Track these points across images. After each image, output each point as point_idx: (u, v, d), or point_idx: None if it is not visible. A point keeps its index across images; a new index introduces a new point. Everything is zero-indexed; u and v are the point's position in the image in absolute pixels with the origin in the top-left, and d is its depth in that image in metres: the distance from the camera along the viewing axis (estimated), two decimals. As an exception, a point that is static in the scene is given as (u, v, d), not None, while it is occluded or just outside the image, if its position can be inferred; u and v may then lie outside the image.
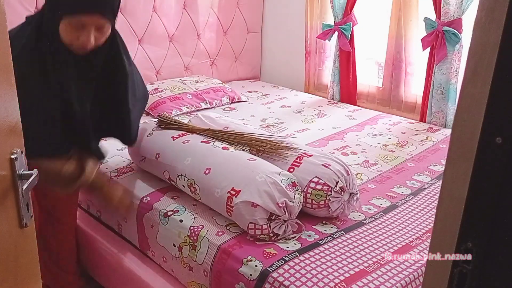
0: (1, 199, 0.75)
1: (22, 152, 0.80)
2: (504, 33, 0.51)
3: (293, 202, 1.45)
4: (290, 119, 2.67)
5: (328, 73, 3.26)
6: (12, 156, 0.77)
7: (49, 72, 1.38)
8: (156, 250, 1.67)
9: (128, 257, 1.79)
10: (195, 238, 1.50)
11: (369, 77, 3.13)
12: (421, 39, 2.59)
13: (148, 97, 1.99)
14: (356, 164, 2.06)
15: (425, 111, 2.69)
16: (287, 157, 1.63)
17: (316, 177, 1.54)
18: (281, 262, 1.35)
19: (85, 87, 1.48)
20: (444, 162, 0.66)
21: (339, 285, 1.28)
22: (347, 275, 1.32)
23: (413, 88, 2.83)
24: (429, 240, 0.86)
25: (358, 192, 1.62)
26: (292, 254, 1.39)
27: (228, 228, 1.52)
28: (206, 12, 3.22)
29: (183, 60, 3.18)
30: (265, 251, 1.41)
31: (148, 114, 2.60)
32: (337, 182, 1.53)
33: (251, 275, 1.34)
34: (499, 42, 0.51)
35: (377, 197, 1.77)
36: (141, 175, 1.88)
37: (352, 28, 2.94)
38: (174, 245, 1.56)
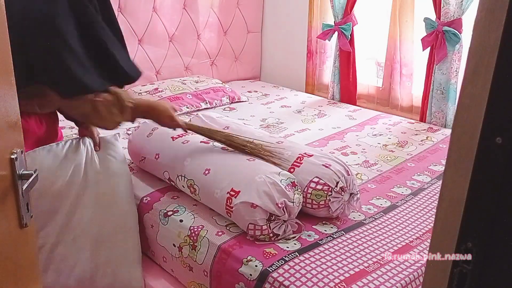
0: (1, 199, 0.75)
1: (22, 152, 0.80)
2: (504, 33, 0.51)
3: (293, 202, 1.45)
4: (290, 119, 2.67)
5: (328, 73, 3.26)
6: (12, 156, 0.77)
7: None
8: (156, 250, 1.67)
9: (128, 257, 1.79)
10: (195, 238, 1.50)
11: (369, 77, 3.13)
12: (421, 39, 2.59)
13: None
14: (356, 164, 2.06)
15: (425, 111, 2.69)
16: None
17: (317, 177, 1.54)
18: (281, 262, 1.35)
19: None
20: (444, 162, 0.66)
21: (339, 285, 1.28)
22: (347, 275, 1.32)
23: (408, 89, 2.83)
24: (429, 240, 0.86)
25: (358, 192, 1.62)
26: (292, 254, 1.39)
27: (228, 228, 1.52)
28: (206, 12, 3.22)
29: (183, 60, 3.18)
30: (265, 251, 1.41)
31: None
32: (337, 182, 1.53)
33: (251, 275, 1.34)
34: (499, 42, 0.51)
35: (377, 197, 1.77)
36: (141, 175, 1.88)
37: (352, 28, 2.95)
38: (174, 245, 1.56)
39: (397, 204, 1.73)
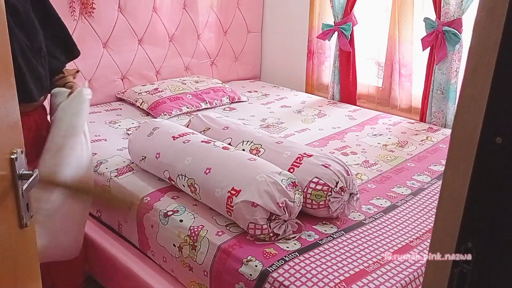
0: (1, 199, 0.75)
1: (22, 152, 0.80)
2: (504, 33, 0.51)
3: (293, 202, 1.45)
4: (290, 119, 2.67)
5: (328, 73, 3.26)
6: (12, 156, 0.77)
7: None
8: (156, 250, 1.67)
9: (128, 257, 1.79)
10: (195, 238, 1.50)
11: (369, 77, 3.13)
12: (421, 39, 2.59)
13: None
14: (356, 164, 2.06)
15: (425, 111, 2.69)
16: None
17: (316, 177, 1.54)
18: (281, 262, 1.35)
19: None
20: (444, 162, 0.66)
21: (339, 285, 1.28)
22: (347, 275, 1.32)
23: (408, 89, 2.83)
24: (429, 240, 0.86)
25: (358, 192, 1.62)
26: (292, 254, 1.39)
27: (228, 228, 1.52)
28: (206, 12, 3.22)
29: (183, 60, 3.18)
30: (265, 251, 1.41)
31: (148, 114, 2.60)
32: (337, 183, 1.53)
33: (251, 275, 1.34)
34: (499, 42, 0.51)
35: (377, 197, 1.77)
36: (141, 175, 1.88)
37: (352, 28, 2.94)
38: (174, 245, 1.56)
39: (397, 204, 1.73)
